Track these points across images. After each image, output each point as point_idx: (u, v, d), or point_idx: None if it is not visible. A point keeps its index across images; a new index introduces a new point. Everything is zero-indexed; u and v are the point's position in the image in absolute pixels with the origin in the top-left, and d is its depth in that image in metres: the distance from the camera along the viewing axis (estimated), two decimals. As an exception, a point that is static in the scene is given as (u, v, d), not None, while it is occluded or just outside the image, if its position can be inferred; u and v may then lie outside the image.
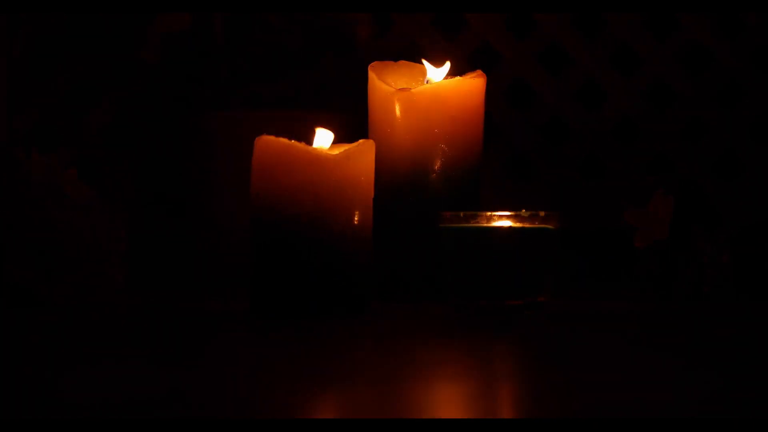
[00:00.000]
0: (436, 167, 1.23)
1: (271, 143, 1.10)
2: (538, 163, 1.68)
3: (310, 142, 1.13)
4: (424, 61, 1.27)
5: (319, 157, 1.10)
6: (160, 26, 1.50)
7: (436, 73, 1.26)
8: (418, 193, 1.23)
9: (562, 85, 1.68)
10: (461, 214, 1.10)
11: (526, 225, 1.09)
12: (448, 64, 1.26)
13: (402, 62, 1.28)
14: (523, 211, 1.10)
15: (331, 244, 1.10)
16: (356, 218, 1.11)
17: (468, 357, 0.88)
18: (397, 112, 1.22)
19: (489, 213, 1.10)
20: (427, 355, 0.89)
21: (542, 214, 1.09)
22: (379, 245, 1.17)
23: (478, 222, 1.10)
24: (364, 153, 1.12)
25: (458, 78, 1.24)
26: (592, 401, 0.68)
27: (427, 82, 1.26)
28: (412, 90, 1.23)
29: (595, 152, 1.68)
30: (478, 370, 0.81)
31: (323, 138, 1.14)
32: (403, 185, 1.23)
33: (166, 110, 1.56)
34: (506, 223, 1.09)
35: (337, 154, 1.11)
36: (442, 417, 0.65)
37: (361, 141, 1.13)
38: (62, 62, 1.63)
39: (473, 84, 1.24)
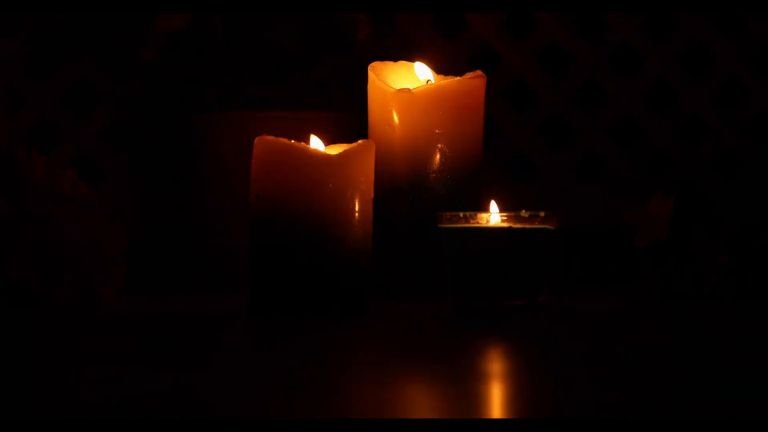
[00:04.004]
0: (436, 167, 1.23)
1: (271, 143, 1.10)
2: (538, 163, 1.68)
3: (309, 142, 1.13)
4: (417, 63, 1.26)
5: (319, 157, 1.10)
6: (160, 26, 1.50)
7: (423, 73, 1.26)
8: (418, 193, 1.23)
9: (562, 85, 1.68)
10: (461, 214, 1.10)
11: (526, 225, 1.09)
12: (422, 66, 1.26)
13: (402, 62, 1.28)
14: (523, 211, 1.10)
15: (331, 244, 1.10)
16: (356, 218, 1.11)
17: (468, 357, 0.88)
18: (397, 111, 1.22)
19: (489, 213, 1.10)
20: (426, 355, 0.89)
21: (542, 214, 1.09)
22: (379, 245, 1.17)
23: (478, 222, 1.10)
24: (363, 153, 1.12)
25: (458, 78, 1.24)
26: (592, 401, 0.68)
27: (427, 82, 1.26)
28: (412, 90, 1.22)
29: (595, 152, 1.68)
30: (478, 371, 0.81)
31: (316, 145, 1.14)
32: (402, 185, 1.23)
33: (165, 110, 1.56)
34: (506, 222, 1.09)
35: (337, 154, 1.11)
36: (442, 417, 0.65)
37: (361, 141, 1.13)
38: (62, 62, 1.63)
39: (473, 84, 1.24)
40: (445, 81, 1.25)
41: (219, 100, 1.50)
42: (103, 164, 1.63)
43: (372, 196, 1.13)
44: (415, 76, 1.28)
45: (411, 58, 1.30)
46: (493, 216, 1.10)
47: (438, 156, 1.23)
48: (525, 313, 1.09)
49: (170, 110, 1.54)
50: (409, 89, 1.23)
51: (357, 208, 1.11)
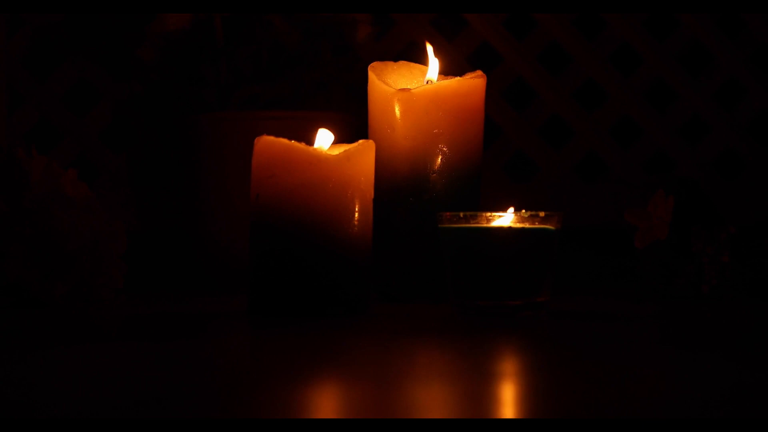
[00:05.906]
0: (436, 167, 1.23)
1: (271, 143, 1.10)
2: (538, 163, 1.68)
3: (310, 142, 1.13)
4: (428, 48, 1.26)
5: (319, 157, 1.10)
6: (159, 26, 1.50)
7: (433, 67, 1.26)
8: (418, 193, 1.23)
9: (562, 85, 1.68)
10: (461, 214, 1.10)
11: (526, 225, 1.09)
12: (436, 61, 1.26)
13: (402, 62, 1.28)
14: (523, 211, 1.10)
15: (331, 244, 1.10)
16: (356, 218, 1.11)
17: (468, 357, 0.88)
18: (397, 112, 1.22)
19: (489, 213, 1.10)
20: (426, 355, 0.89)
21: (542, 214, 1.09)
22: (378, 245, 1.17)
23: (478, 222, 1.10)
24: (364, 153, 1.12)
25: (458, 78, 1.24)
26: (592, 401, 0.68)
27: (427, 83, 1.26)
28: (412, 90, 1.23)
29: (595, 152, 1.68)
30: (478, 370, 0.81)
31: (324, 138, 1.14)
32: (402, 185, 1.23)
33: (165, 110, 1.56)
34: (506, 223, 1.09)
35: (337, 155, 1.11)
36: (442, 417, 0.65)
37: (361, 141, 1.13)
38: (62, 62, 1.63)
39: (473, 84, 1.24)
40: (445, 81, 1.25)
41: (219, 100, 1.50)
42: (103, 164, 1.63)
43: (372, 196, 1.13)
44: (416, 75, 1.28)
45: (411, 58, 1.30)
46: (506, 217, 1.09)
47: (438, 156, 1.23)
48: (525, 313, 1.09)
49: (170, 110, 1.54)
50: (409, 89, 1.23)
51: (357, 208, 1.11)
